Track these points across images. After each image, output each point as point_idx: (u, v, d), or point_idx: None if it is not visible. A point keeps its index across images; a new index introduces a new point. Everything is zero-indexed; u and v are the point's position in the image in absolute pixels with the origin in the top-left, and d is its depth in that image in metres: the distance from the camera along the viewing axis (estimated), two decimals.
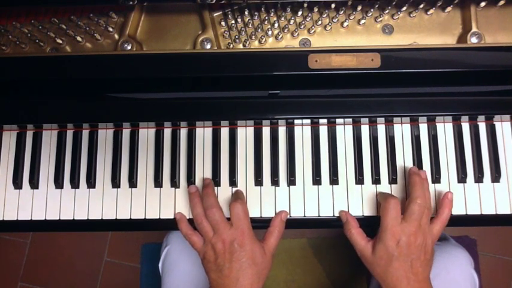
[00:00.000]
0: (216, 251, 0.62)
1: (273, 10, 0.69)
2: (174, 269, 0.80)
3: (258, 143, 0.70)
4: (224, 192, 0.69)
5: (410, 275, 0.59)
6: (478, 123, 0.70)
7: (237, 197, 0.66)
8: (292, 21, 0.69)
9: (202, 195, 0.66)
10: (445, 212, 0.64)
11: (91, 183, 0.69)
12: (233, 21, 0.69)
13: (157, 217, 0.68)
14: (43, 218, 0.69)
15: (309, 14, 0.69)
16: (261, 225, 0.67)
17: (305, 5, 0.68)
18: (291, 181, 0.68)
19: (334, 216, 0.68)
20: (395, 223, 0.61)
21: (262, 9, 0.69)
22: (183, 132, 0.71)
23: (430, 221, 0.63)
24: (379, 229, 0.62)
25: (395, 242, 0.60)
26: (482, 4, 0.68)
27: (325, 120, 0.69)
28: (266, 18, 0.69)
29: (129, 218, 0.69)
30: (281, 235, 0.66)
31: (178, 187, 0.69)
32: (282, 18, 0.69)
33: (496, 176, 0.68)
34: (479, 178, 0.68)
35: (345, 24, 0.69)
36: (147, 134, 0.71)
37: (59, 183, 0.70)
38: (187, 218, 0.68)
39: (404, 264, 0.59)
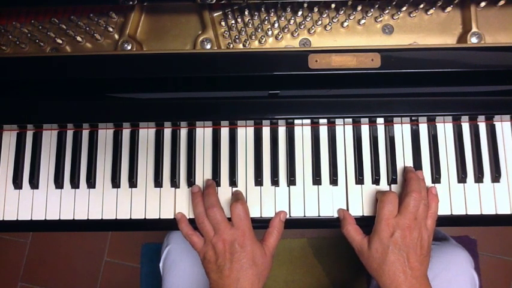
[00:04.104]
0: (216, 252, 0.62)
1: (273, 10, 0.69)
2: (175, 268, 0.80)
3: (258, 143, 0.70)
4: (224, 192, 0.69)
5: (407, 269, 0.59)
6: (478, 123, 0.70)
7: (238, 198, 0.66)
8: (292, 21, 0.69)
9: (204, 195, 0.66)
10: (432, 206, 0.64)
11: (91, 183, 0.69)
12: (233, 21, 0.69)
13: (158, 217, 0.68)
14: (43, 218, 0.69)
15: (309, 14, 0.69)
16: (261, 225, 0.67)
17: (305, 5, 0.68)
18: (291, 181, 0.68)
19: (334, 216, 0.68)
20: (390, 216, 0.61)
21: (262, 9, 0.69)
22: (183, 132, 0.71)
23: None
24: (375, 222, 0.62)
25: (390, 233, 0.60)
26: (482, 4, 0.68)
27: (325, 120, 0.69)
28: (266, 18, 0.69)
29: (129, 218, 0.69)
30: (280, 235, 0.66)
31: (178, 187, 0.69)
32: (282, 18, 0.69)
33: (496, 176, 0.68)
34: (479, 178, 0.68)
35: (345, 24, 0.69)
36: (147, 134, 0.71)
37: (59, 183, 0.70)
38: (188, 218, 0.68)
39: (400, 258, 0.59)
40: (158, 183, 0.69)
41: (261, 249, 0.63)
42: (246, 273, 0.61)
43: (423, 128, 0.70)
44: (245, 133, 0.71)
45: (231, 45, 0.70)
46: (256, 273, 0.62)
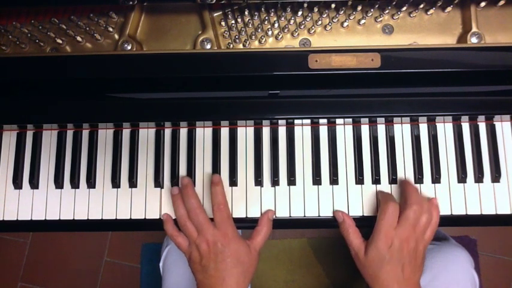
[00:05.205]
0: (200, 252, 0.63)
1: (273, 10, 0.69)
2: (175, 268, 0.80)
3: (258, 143, 0.70)
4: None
5: (401, 279, 0.59)
6: (478, 123, 0.70)
7: (218, 201, 0.65)
8: (292, 21, 0.69)
9: (183, 197, 0.66)
10: (434, 217, 0.64)
11: (91, 183, 0.69)
12: (233, 21, 0.69)
13: (157, 217, 0.68)
14: (43, 218, 0.69)
15: (309, 14, 0.69)
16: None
17: (305, 5, 0.68)
18: (291, 181, 0.68)
19: (334, 216, 0.68)
20: (390, 228, 0.61)
21: (262, 9, 0.69)
22: (183, 132, 0.71)
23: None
24: (373, 230, 0.62)
25: (388, 245, 0.60)
26: (482, 4, 0.68)
27: (325, 120, 0.69)
28: (266, 18, 0.69)
29: (129, 218, 0.69)
30: (268, 234, 0.67)
31: (177, 186, 0.69)
32: (282, 18, 0.69)
33: (496, 176, 0.68)
34: (479, 178, 0.68)
35: (345, 24, 0.69)
36: (147, 134, 0.71)
37: (59, 183, 0.70)
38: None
39: (395, 268, 0.60)
40: (158, 183, 0.69)
41: (245, 247, 0.64)
42: (231, 272, 0.61)
43: (423, 128, 0.70)
44: (245, 133, 0.71)
45: (231, 45, 0.70)
46: (242, 271, 0.62)
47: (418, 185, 0.68)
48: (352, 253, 0.64)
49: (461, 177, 0.68)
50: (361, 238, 0.64)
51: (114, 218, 0.69)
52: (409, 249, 0.60)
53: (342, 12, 0.69)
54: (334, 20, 0.69)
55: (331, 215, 0.68)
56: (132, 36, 0.69)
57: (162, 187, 0.69)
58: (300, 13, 0.69)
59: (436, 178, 0.68)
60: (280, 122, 0.70)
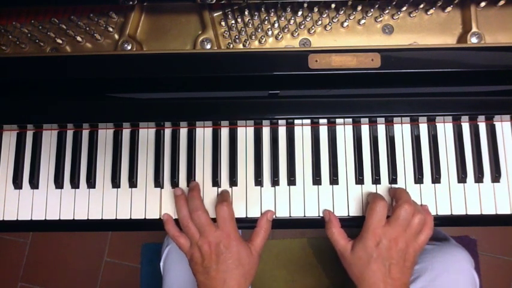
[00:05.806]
0: (202, 253, 0.63)
1: (273, 10, 0.69)
2: (175, 268, 0.80)
3: (258, 143, 0.70)
4: None
5: (388, 279, 0.59)
6: (478, 123, 0.70)
7: (223, 199, 0.66)
8: (292, 21, 0.69)
9: (188, 198, 0.66)
10: (428, 221, 0.63)
11: (91, 183, 0.69)
12: (233, 21, 0.69)
13: (157, 217, 0.68)
14: (43, 218, 0.69)
15: (309, 14, 0.69)
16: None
17: (305, 5, 0.68)
18: (291, 181, 0.68)
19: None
20: (378, 225, 0.60)
21: (262, 9, 0.69)
22: (183, 132, 0.71)
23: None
24: (362, 229, 0.62)
25: (375, 243, 0.60)
26: (482, 4, 0.68)
27: (325, 120, 0.69)
28: (266, 18, 0.69)
29: (129, 218, 0.69)
30: (267, 235, 0.67)
31: (178, 187, 0.69)
32: (282, 18, 0.69)
33: (496, 176, 0.68)
34: (479, 178, 0.68)
35: (345, 24, 0.69)
36: (147, 134, 0.71)
37: (59, 183, 0.70)
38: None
39: (382, 268, 0.59)
40: (158, 183, 0.69)
41: (246, 249, 0.64)
42: (232, 273, 0.62)
43: (423, 128, 0.70)
44: (245, 133, 0.71)
45: (231, 45, 0.70)
46: (243, 273, 0.62)
47: (418, 185, 0.68)
48: (338, 253, 0.64)
49: (461, 177, 0.68)
50: (346, 239, 0.64)
51: (114, 218, 0.69)
52: (397, 249, 0.59)
53: (342, 12, 0.69)
54: (334, 20, 0.69)
55: None
56: (132, 36, 0.69)
57: (162, 187, 0.69)
58: (300, 13, 0.69)
59: (436, 178, 0.68)
60: (280, 122, 0.70)
